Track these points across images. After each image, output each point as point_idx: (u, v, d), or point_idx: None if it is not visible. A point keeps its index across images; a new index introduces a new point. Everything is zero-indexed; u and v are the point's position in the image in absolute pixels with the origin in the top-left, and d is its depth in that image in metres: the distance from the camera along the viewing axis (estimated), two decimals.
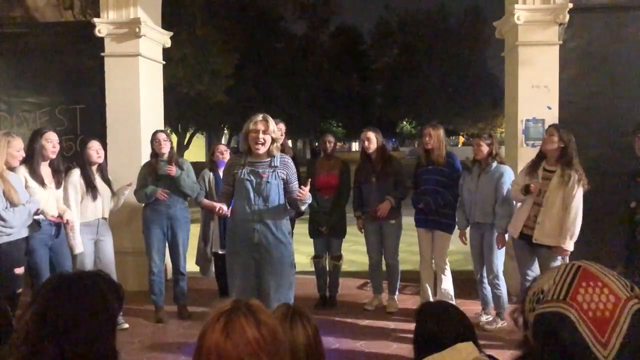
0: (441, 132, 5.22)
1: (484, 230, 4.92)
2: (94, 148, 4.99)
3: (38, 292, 1.50)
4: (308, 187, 3.90)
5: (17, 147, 4.22)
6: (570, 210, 4.26)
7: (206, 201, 5.48)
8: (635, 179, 4.49)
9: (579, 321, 1.07)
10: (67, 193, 4.81)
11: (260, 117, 3.80)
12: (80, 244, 4.83)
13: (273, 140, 3.81)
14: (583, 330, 1.06)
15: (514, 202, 4.79)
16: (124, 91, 6.23)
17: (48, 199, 4.58)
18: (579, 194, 4.28)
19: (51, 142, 4.58)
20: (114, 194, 5.17)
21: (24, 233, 4.22)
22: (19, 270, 4.15)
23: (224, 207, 4.01)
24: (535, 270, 4.53)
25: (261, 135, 3.74)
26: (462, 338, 1.95)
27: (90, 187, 4.91)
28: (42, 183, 4.54)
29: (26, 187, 4.41)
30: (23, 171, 4.45)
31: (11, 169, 4.25)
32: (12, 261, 4.09)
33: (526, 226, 4.48)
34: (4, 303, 2.03)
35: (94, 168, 5.03)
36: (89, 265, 4.92)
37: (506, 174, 4.83)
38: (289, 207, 3.98)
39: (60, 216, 4.64)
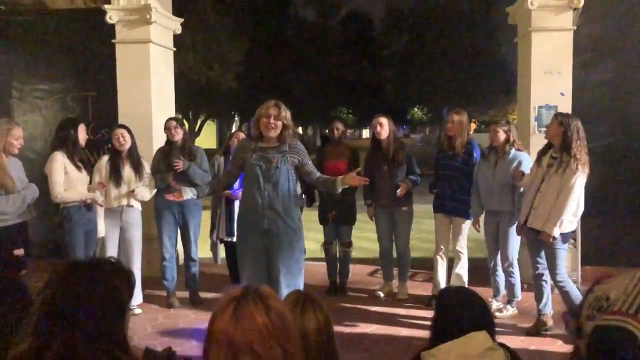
0: (464, 118, 5.17)
1: (500, 218, 4.87)
2: (117, 135, 5.03)
3: (49, 280, 1.51)
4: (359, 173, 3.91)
5: (16, 136, 4.32)
6: (562, 197, 4.19)
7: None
8: None
9: None
10: (93, 178, 5.00)
11: (272, 102, 3.80)
12: (103, 228, 4.96)
13: (284, 127, 3.80)
14: None
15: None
16: (135, 78, 6.24)
17: (85, 182, 4.82)
18: (577, 181, 4.17)
19: (82, 134, 4.86)
20: (142, 181, 5.12)
21: (18, 218, 4.30)
22: (18, 252, 4.25)
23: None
24: (544, 258, 4.49)
25: (272, 121, 3.73)
26: (482, 325, 1.94)
27: (114, 173, 4.98)
28: (78, 168, 4.77)
29: (65, 172, 4.65)
30: (61, 157, 4.68)
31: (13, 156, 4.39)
32: (6, 244, 4.19)
33: (528, 213, 4.45)
34: (21, 279, 2.06)
35: (124, 155, 5.07)
36: (112, 251, 5.00)
37: (524, 161, 4.75)
38: (303, 195, 3.97)
39: (102, 185, 4.90)
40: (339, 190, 3.93)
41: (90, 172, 5.01)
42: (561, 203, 4.19)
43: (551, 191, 4.26)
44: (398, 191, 5.19)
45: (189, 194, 3.97)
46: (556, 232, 4.22)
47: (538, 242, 4.45)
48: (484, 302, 2.11)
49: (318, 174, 4.02)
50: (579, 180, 4.19)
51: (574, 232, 4.60)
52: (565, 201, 4.18)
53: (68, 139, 4.73)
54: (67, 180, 4.67)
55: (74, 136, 4.74)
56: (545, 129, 5.65)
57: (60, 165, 4.63)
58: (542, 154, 4.49)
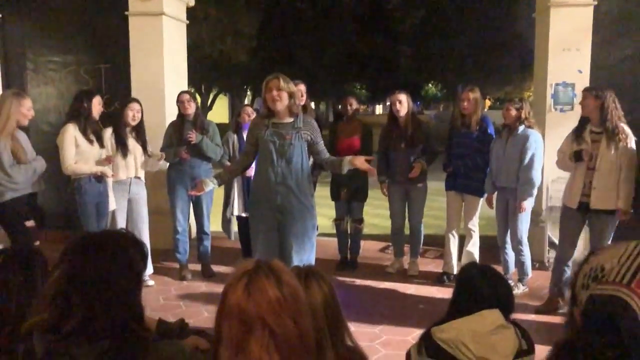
0: (478, 95, 5.12)
1: (509, 196, 4.86)
2: (133, 109, 5.00)
3: (64, 253, 1.53)
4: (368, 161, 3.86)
5: (27, 106, 4.38)
6: (626, 169, 4.14)
7: (229, 164, 5.52)
8: None
9: None
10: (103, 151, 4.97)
11: (271, 76, 3.77)
12: (113, 201, 4.95)
13: (290, 96, 3.77)
14: None
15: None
16: (148, 50, 6.22)
17: (95, 156, 4.78)
18: (631, 150, 4.15)
19: (99, 105, 4.85)
20: (147, 154, 5.17)
21: (29, 189, 4.39)
22: (30, 223, 4.35)
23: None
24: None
25: (275, 92, 3.70)
26: (502, 304, 1.95)
27: (121, 145, 4.97)
28: (90, 141, 4.73)
29: (76, 145, 4.64)
30: (73, 129, 4.66)
31: (22, 127, 4.45)
32: (19, 215, 4.30)
33: (583, 194, 4.32)
34: (41, 251, 2.10)
35: (128, 129, 5.07)
36: (121, 223, 5.03)
37: (531, 137, 4.71)
38: (320, 169, 3.94)
39: (110, 160, 4.85)
40: (345, 170, 3.87)
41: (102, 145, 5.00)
42: (628, 175, 4.14)
43: (609, 167, 4.19)
44: (411, 173, 5.17)
45: (209, 185, 3.94)
46: (629, 207, 4.17)
47: (582, 228, 4.39)
48: (506, 279, 2.11)
49: (327, 154, 3.98)
50: (634, 145, 4.17)
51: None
52: (631, 172, 4.14)
53: (81, 111, 4.71)
54: (78, 152, 4.67)
55: (87, 109, 4.72)
56: (562, 106, 5.60)
57: (71, 138, 4.63)
58: (580, 131, 4.38)
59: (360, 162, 3.77)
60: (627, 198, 4.16)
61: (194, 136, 5.13)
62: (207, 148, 5.23)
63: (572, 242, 4.49)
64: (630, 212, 4.19)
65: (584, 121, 4.41)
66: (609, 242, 4.24)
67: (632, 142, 4.18)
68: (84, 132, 4.70)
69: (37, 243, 4.33)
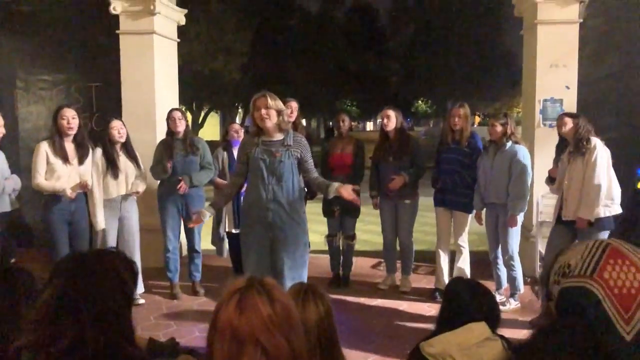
0: (468, 111, 5.18)
1: (499, 211, 4.90)
2: (116, 127, 4.99)
3: (55, 272, 1.52)
4: (355, 192, 3.84)
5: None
6: (587, 177, 4.23)
7: (219, 180, 5.52)
8: None
9: (604, 297, 1.10)
10: (92, 171, 4.91)
11: (259, 95, 3.78)
12: (103, 220, 4.90)
13: (278, 113, 3.78)
14: (607, 306, 1.09)
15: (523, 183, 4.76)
16: (139, 69, 6.24)
17: (70, 174, 4.69)
18: (597, 155, 4.22)
19: (65, 119, 4.65)
20: (140, 170, 5.14)
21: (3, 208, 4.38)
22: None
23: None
24: None
25: (263, 111, 3.72)
26: (488, 317, 1.96)
27: (111, 165, 4.94)
28: (64, 159, 4.65)
29: (48, 162, 4.58)
30: (45, 147, 4.60)
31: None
32: None
33: (561, 208, 4.47)
34: (27, 267, 2.07)
35: (118, 146, 5.05)
36: (111, 241, 4.99)
37: (519, 152, 4.77)
38: (304, 188, 3.95)
39: (84, 185, 4.73)
40: (331, 196, 3.84)
41: (83, 159, 4.83)
42: (589, 183, 4.22)
43: (575, 177, 4.30)
44: (390, 184, 5.20)
45: (207, 215, 3.95)
46: (592, 216, 4.22)
47: (574, 237, 4.44)
48: (492, 293, 2.13)
49: (315, 174, 3.97)
50: (600, 153, 4.23)
51: (611, 220, 4.37)
52: (592, 180, 4.20)
53: (53, 130, 4.67)
54: (50, 170, 4.60)
55: (55, 126, 4.66)
56: (550, 122, 5.66)
57: (41, 156, 4.58)
58: (560, 152, 4.57)
59: (347, 192, 3.72)
60: (587, 206, 4.24)
61: (183, 186, 5.14)
62: (200, 182, 5.28)
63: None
64: (588, 220, 4.25)
65: (560, 144, 4.58)
66: None
67: (596, 153, 4.23)
68: (60, 149, 4.63)
69: (13, 260, 4.30)
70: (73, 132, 4.71)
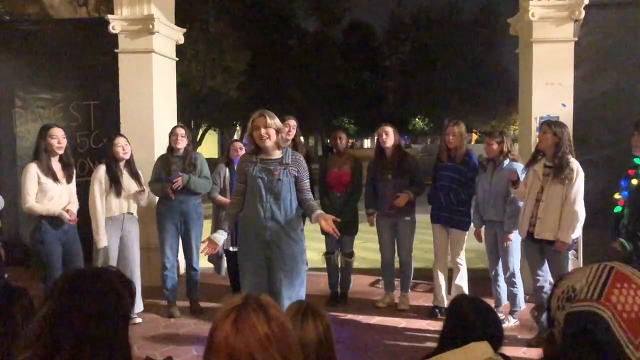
0: (463, 128, 5.20)
1: (497, 228, 4.90)
2: (120, 144, 4.99)
3: (52, 290, 1.51)
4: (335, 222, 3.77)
5: None
6: (570, 203, 4.25)
7: (221, 198, 5.52)
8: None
9: (613, 322, 1.07)
10: (92, 188, 4.91)
11: (257, 114, 3.79)
12: (105, 238, 4.89)
13: (277, 132, 3.80)
14: (617, 331, 1.06)
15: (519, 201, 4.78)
16: (137, 87, 6.27)
17: (61, 193, 4.68)
18: (580, 183, 4.27)
19: (56, 138, 4.60)
20: (142, 188, 5.13)
21: None
22: None
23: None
24: (545, 270, 4.52)
25: (263, 130, 3.73)
26: (492, 336, 1.94)
27: (114, 183, 4.94)
28: (54, 178, 4.61)
29: (39, 183, 4.52)
30: (35, 169, 4.54)
31: None
32: None
33: (531, 224, 4.47)
34: (23, 285, 2.06)
35: (122, 164, 5.05)
36: (112, 260, 4.96)
37: (519, 170, 4.78)
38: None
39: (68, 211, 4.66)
40: (313, 222, 3.89)
41: (70, 178, 4.79)
42: (571, 209, 4.24)
43: (555, 200, 4.31)
44: (396, 201, 5.20)
45: (219, 239, 3.91)
46: (569, 239, 4.26)
47: (543, 253, 4.49)
48: (495, 311, 2.11)
49: (309, 195, 3.96)
50: (580, 181, 4.27)
51: (576, 241, 4.60)
52: (574, 206, 4.24)
53: (39, 149, 4.59)
54: (42, 190, 4.54)
55: (43, 145, 4.58)
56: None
57: (31, 177, 4.50)
58: (532, 163, 4.55)
59: (326, 224, 3.69)
60: (566, 230, 4.26)
61: (179, 182, 5.14)
62: (195, 186, 5.24)
63: (541, 269, 4.55)
64: (568, 244, 4.28)
65: (535, 155, 4.57)
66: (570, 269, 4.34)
67: (578, 178, 4.27)
68: (49, 169, 4.58)
69: (5, 275, 4.28)
70: (62, 151, 4.66)
